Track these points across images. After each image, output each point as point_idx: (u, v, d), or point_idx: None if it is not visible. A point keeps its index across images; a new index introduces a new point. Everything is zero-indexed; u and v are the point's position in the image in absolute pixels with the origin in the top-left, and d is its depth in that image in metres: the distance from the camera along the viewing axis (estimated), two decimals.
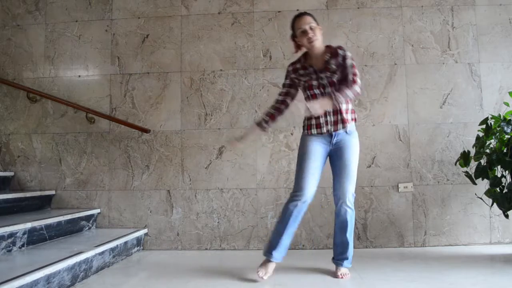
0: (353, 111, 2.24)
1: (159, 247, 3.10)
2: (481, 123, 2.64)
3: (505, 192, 2.48)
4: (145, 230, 3.09)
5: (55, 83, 3.31)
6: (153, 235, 3.11)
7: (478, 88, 3.10)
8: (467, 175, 2.68)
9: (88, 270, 2.25)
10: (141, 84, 3.24)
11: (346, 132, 2.17)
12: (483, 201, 2.76)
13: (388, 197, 3.04)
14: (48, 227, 2.56)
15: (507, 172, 2.53)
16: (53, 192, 3.19)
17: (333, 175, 2.24)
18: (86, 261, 2.21)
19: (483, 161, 2.63)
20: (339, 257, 2.26)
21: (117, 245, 2.63)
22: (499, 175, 2.53)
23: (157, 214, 3.13)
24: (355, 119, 2.25)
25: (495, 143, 2.60)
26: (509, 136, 2.51)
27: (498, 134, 2.56)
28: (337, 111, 2.15)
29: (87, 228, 3.04)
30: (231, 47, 3.22)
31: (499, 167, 2.54)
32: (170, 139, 3.18)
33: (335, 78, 2.13)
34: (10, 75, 3.33)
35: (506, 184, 2.50)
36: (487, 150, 2.60)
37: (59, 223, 2.68)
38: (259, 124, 2.28)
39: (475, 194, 2.90)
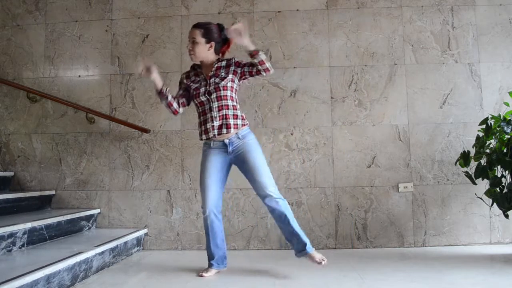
0: (242, 117, 2.28)
1: (159, 247, 3.10)
2: (481, 123, 2.64)
3: (505, 192, 2.48)
4: (145, 230, 3.09)
5: (55, 83, 3.31)
6: (153, 235, 3.11)
7: (478, 88, 3.10)
8: (467, 175, 2.68)
9: (88, 270, 2.25)
10: (141, 84, 3.24)
11: (239, 137, 2.23)
12: (483, 201, 2.76)
13: (388, 197, 3.04)
14: (48, 227, 2.56)
15: (507, 172, 2.53)
16: (53, 192, 3.19)
17: (248, 179, 2.26)
18: (86, 261, 2.21)
19: (483, 161, 2.63)
20: (299, 248, 2.24)
21: (117, 245, 2.63)
22: (499, 175, 2.53)
23: (157, 214, 3.13)
24: (245, 125, 2.28)
25: (495, 143, 2.60)
26: (509, 136, 2.51)
27: (498, 134, 2.56)
28: (222, 117, 2.22)
29: (87, 228, 3.04)
30: (231, 47, 3.20)
31: (499, 167, 2.54)
32: (170, 139, 3.18)
33: (222, 84, 2.22)
34: (10, 75, 3.33)
35: (506, 184, 2.50)
36: (487, 150, 2.60)
37: (59, 223, 2.68)
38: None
39: (475, 194, 2.90)
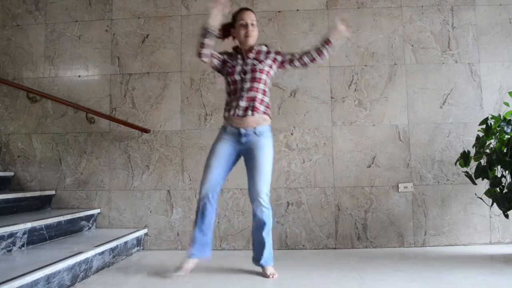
0: (267, 106, 2.26)
1: (159, 247, 3.10)
2: (481, 123, 2.64)
3: (505, 192, 2.48)
4: (145, 230, 3.09)
5: (55, 83, 3.31)
6: (153, 235, 3.11)
7: (478, 88, 3.10)
8: (467, 175, 2.68)
9: (88, 270, 2.25)
10: (141, 84, 3.24)
11: (255, 133, 2.20)
12: (483, 201, 2.76)
13: (388, 197, 3.04)
14: (48, 227, 2.56)
15: (507, 172, 2.53)
16: (53, 192, 3.19)
17: (247, 176, 2.25)
18: (86, 261, 2.21)
19: (483, 161, 2.63)
20: (257, 257, 2.26)
21: (117, 245, 2.63)
22: (499, 175, 2.53)
23: (157, 214, 3.13)
24: (267, 114, 2.25)
25: (495, 143, 2.60)
26: (509, 136, 2.51)
27: (498, 134, 2.56)
28: (250, 98, 2.19)
29: (87, 228, 3.04)
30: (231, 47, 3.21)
31: (499, 167, 2.54)
32: (170, 139, 3.18)
33: (259, 67, 2.22)
34: (10, 75, 3.33)
35: (506, 184, 2.50)
36: (487, 150, 2.60)
37: (59, 223, 2.68)
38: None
39: (475, 194, 2.90)
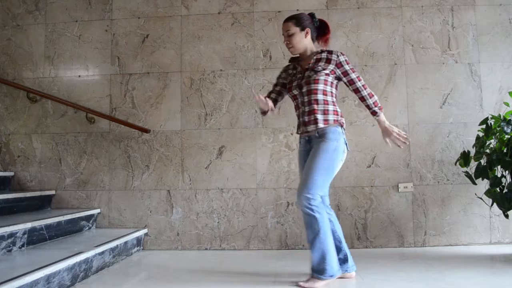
0: (335, 113, 2.12)
1: (159, 247, 3.10)
2: (481, 123, 2.64)
3: (505, 192, 2.48)
4: (145, 230, 3.09)
5: (55, 83, 3.31)
6: (153, 235, 3.11)
7: (478, 88, 3.10)
8: (467, 175, 2.68)
9: (88, 270, 2.25)
10: (141, 84, 3.24)
11: (317, 134, 2.09)
12: (483, 201, 2.76)
13: (388, 197, 3.04)
14: (48, 227, 2.56)
15: (507, 172, 2.53)
16: (53, 192, 3.19)
17: None
18: (86, 261, 2.21)
19: (483, 161, 2.63)
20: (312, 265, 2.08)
21: (117, 245, 2.63)
22: (499, 175, 2.53)
23: (157, 214, 3.13)
24: (337, 121, 2.11)
25: (495, 143, 2.60)
26: (509, 136, 2.51)
27: (498, 134, 2.56)
28: (311, 111, 2.10)
29: (87, 228, 3.04)
30: (231, 47, 3.22)
31: (499, 167, 2.54)
32: (170, 139, 3.18)
33: (314, 77, 2.08)
34: (10, 75, 3.33)
35: (506, 184, 2.50)
36: (487, 150, 2.60)
37: (59, 223, 2.68)
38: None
39: (475, 194, 2.90)
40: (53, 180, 3.22)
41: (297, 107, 2.20)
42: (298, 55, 2.25)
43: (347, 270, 2.17)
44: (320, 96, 2.09)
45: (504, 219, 2.72)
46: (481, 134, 2.69)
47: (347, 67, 2.11)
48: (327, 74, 2.09)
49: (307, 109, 2.11)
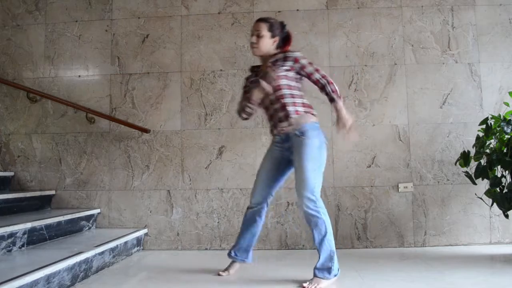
0: (303, 105, 2.13)
1: (159, 247, 3.10)
2: (481, 123, 2.64)
3: (505, 192, 2.48)
4: (145, 230, 3.09)
5: (55, 83, 3.31)
6: (153, 235, 3.11)
7: (478, 88, 3.10)
8: (467, 175, 2.68)
9: (88, 270, 2.25)
10: (141, 84, 3.24)
11: (297, 134, 2.07)
12: (483, 201, 2.76)
13: (388, 197, 3.04)
14: (48, 227, 2.56)
15: (507, 172, 2.53)
16: (53, 192, 3.19)
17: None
18: (86, 261, 2.21)
19: (483, 161, 2.63)
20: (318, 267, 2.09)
21: (117, 245, 2.63)
22: (499, 175, 2.53)
23: (157, 214, 3.13)
24: (308, 114, 2.12)
25: (495, 143, 2.60)
26: (509, 136, 2.51)
27: (498, 134, 2.56)
28: (281, 107, 2.10)
29: (87, 228, 3.04)
30: (231, 47, 3.22)
31: (499, 167, 2.54)
32: (170, 139, 3.18)
33: (275, 75, 2.10)
34: (10, 75, 3.33)
35: (506, 184, 2.50)
36: (487, 150, 2.60)
37: (59, 223, 2.68)
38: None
39: (475, 194, 2.90)
40: (53, 180, 3.22)
41: (266, 109, 2.21)
42: (257, 65, 2.31)
43: (244, 260, 2.31)
44: (286, 91, 2.11)
45: (504, 219, 2.72)
46: (481, 134, 2.69)
47: (304, 61, 2.13)
48: (287, 70, 2.13)
49: (277, 106, 2.12)
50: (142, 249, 3.08)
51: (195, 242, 3.08)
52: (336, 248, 2.95)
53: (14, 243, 2.27)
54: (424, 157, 3.07)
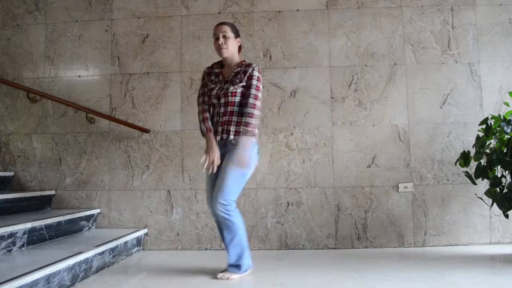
0: (238, 123, 2.19)
1: (159, 247, 3.09)
2: (481, 123, 2.64)
3: (505, 192, 2.48)
4: (145, 230, 3.09)
5: (55, 83, 3.31)
6: (153, 235, 3.11)
7: (478, 88, 3.10)
8: (467, 175, 2.68)
9: (88, 270, 2.25)
10: (141, 84, 3.24)
11: (232, 142, 2.18)
12: (483, 201, 2.76)
13: (388, 197, 3.04)
14: (48, 227, 2.56)
15: (507, 172, 2.53)
16: (53, 192, 3.19)
17: None
18: (86, 261, 2.21)
19: (483, 161, 2.63)
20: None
21: (117, 245, 2.63)
22: (499, 175, 2.54)
23: (157, 214, 3.13)
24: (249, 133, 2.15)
25: (495, 143, 2.60)
26: (509, 136, 2.51)
27: (498, 134, 2.56)
28: (226, 122, 2.19)
29: (87, 228, 3.04)
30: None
31: (499, 167, 2.54)
32: (170, 139, 3.17)
33: (231, 90, 2.18)
34: (10, 75, 3.33)
35: (506, 184, 2.50)
36: (487, 150, 2.60)
37: (59, 223, 2.68)
38: (215, 133, 2.26)
39: (475, 194, 2.90)
40: (53, 180, 3.22)
41: (215, 115, 2.28)
42: (218, 61, 2.34)
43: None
44: (236, 108, 2.20)
45: (504, 219, 2.72)
46: (481, 134, 2.69)
47: (254, 81, 2.19)
48: (244, 87, 2.19)
49: (222, 119, 2.21)
50: (142, 249, 3.08)
51: (195, 242, 3.08)
52: (336, 248, 3.00)
53: (14, 243, 2.27)
54: (424, 157, 3.07)
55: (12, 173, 3.24)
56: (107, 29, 3.31)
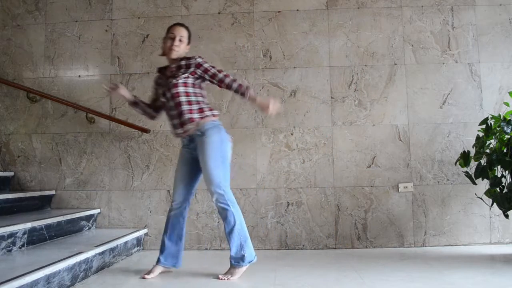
0: (201, 110, 2.22)
1: (159, 247, 3.09)
2: (481, 123, 2.64)
3: (505, 192, 2.48)
4: (145, 230, 3.09)
5: (55, 83, 3.31)
6: (153, 235, 3.11)
7: (478, 88, 3.10)
8: (467, 175, 2.68)
9: (88, 270, 2.25)
10: (141, 84, 3.24)
11: (198, 133, 2.20)
12: (483, 201, 2.76)
13: (388, 197, 3.04)
14: (48, 227, 2.56)
15: (507, 172, 2.53)
16: (53, 192, 3.19)
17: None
18: (86, 261, 2.21)
19: (483, 161, 2.63)
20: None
21: (117, 245, 2.63)
22: (499, 175, 2.54)
23: (157, 214, 3.13)
24: (206, 117, 2.22)
25: (495, 143, 2.60)
26: (509, 136, 2.51)
27: (498, 134, 2.56)
28: (178, 114, 2.21)
29: (87, 228, 3.04)
30: (231, 47, 3.22)
31: (499, 167, 2.54)
32: (170, 139, 3.17)
33: (173, 82, 2.21)
34: (10, 75, 3.33)
35: (506, 184, 2.50)
36: (487, 150, 2.60)
37: (59, 223, 2.68)
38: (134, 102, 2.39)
39: (475, 194, 2.90)
40: (53, 180, 3.22)
41: (167, 112, 2.32)
42: (164, 66, 2.39)
43: (175, 265, 2.36)
44: (183, 98, 2.21)
45: (504, 219, 2.72)
46: (481, 134, 2.69)
47: (206, 65, 2.25)
48: (186, 77, 2.23)
49: (174, 112, 2.23)
50: (142, 249, 3.08)
51: (195, 242, 3.08)
52: (336, 248, 3.00)
53: (14, 243, 2.27)
54: (424, 157, 3.07)
55: (12, 173, 3.23)
56: (107, 29, 3.31)
